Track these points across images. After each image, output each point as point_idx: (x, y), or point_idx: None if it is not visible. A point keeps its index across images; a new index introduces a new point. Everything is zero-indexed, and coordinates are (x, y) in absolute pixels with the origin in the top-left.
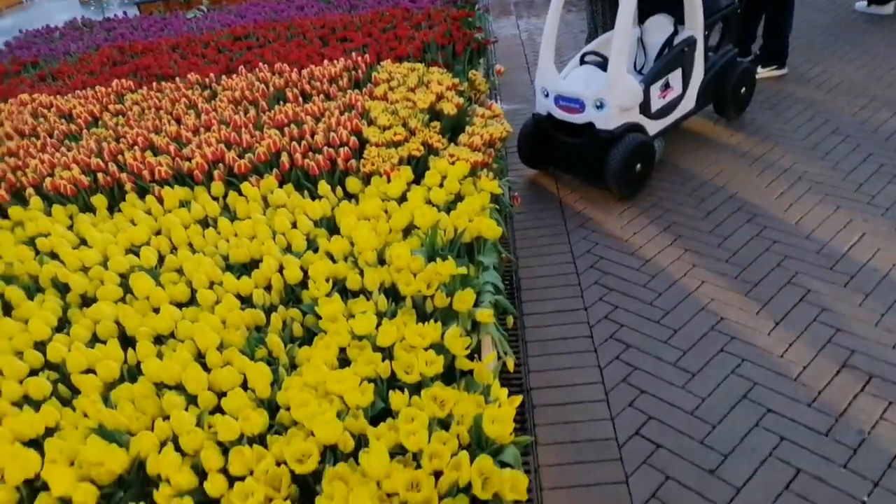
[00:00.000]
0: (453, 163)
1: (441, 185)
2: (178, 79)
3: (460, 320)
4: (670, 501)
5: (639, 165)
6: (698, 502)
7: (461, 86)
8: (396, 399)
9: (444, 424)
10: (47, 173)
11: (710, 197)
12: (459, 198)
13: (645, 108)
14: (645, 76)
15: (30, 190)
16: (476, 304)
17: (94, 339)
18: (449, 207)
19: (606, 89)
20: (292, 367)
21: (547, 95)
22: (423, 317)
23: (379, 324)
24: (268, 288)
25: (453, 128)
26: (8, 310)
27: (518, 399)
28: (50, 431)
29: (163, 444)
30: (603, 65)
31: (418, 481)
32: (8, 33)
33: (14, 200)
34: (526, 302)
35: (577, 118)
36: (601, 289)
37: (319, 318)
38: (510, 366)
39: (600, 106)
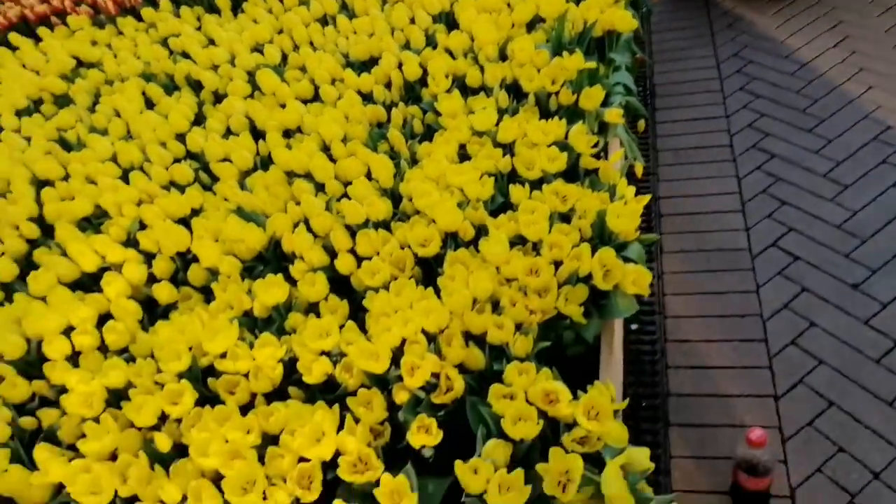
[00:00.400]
0: None
1: None
2: None
3: (587, 119)
4: (805, 312)
5: None
6: (836, 315)
7: None
8: (517, 192)
9: (566, 219)
10: None
11: None
12: None
13: None
14: None
15: None
16: (604, 105)
17: (228, 132)
18: None
19: None
20: (413, 161)
21: None
22: (546, 114)
23: (500, 120)
24: (388, 85)
25: None
26: (150, 106)
27: (646, 198)
28: (195, 212)
29: (295, 225)
30: None
31: (537, 268)
32: None
33: (145, 2)
34: (660, 109)
35: None
36: (747, 95)
37: (439, 115)
38: (638, 171)
39: None
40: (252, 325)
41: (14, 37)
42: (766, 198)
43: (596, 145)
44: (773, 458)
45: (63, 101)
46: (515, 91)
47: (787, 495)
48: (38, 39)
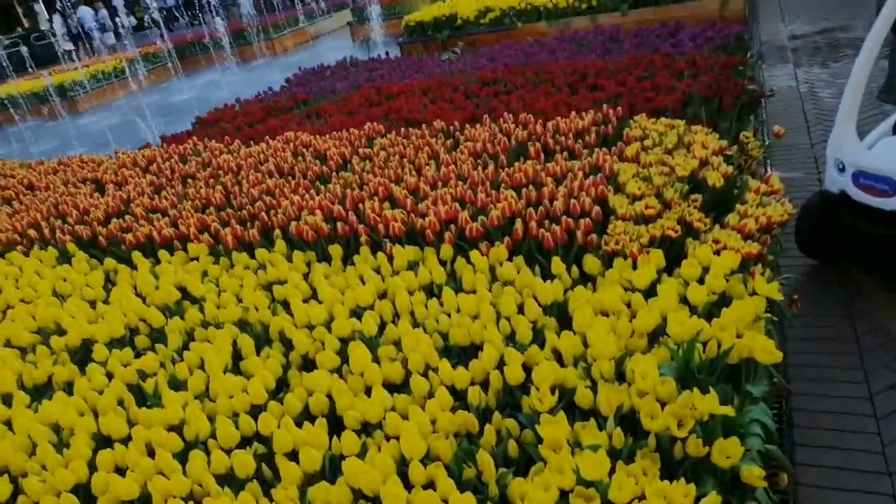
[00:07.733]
0: (718, 252)
1: (701, 281)
2: (424, 125)
3: (718, 475)
4: None
5: None
6: None
7: (729, 150)
8: None
9: None
10: (294, 216)
11: None
12: (724, 300)
13: None
14: None
15: (277, 231)
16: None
17: (307, 413)
18: (710, 311)
19: None
20: (502, 500)
21: (842, 170)
22: (668, 463)
23: (613, 467)
24: (485, 384)
25: (717, 203)
26: (238, 358)
27: None
28: None
29: None
30: None
31: None
32: (292, 69)
33: (263, 241)
34: (801, 447)
35: (886, 203)
36: None
37: (540, 441)
38: None
39: None
40: None
41: (137, 256)
42: None
43: None
44: None
45: (157, 335)
46: (632, 424)
47: None
48: (158, 261)
